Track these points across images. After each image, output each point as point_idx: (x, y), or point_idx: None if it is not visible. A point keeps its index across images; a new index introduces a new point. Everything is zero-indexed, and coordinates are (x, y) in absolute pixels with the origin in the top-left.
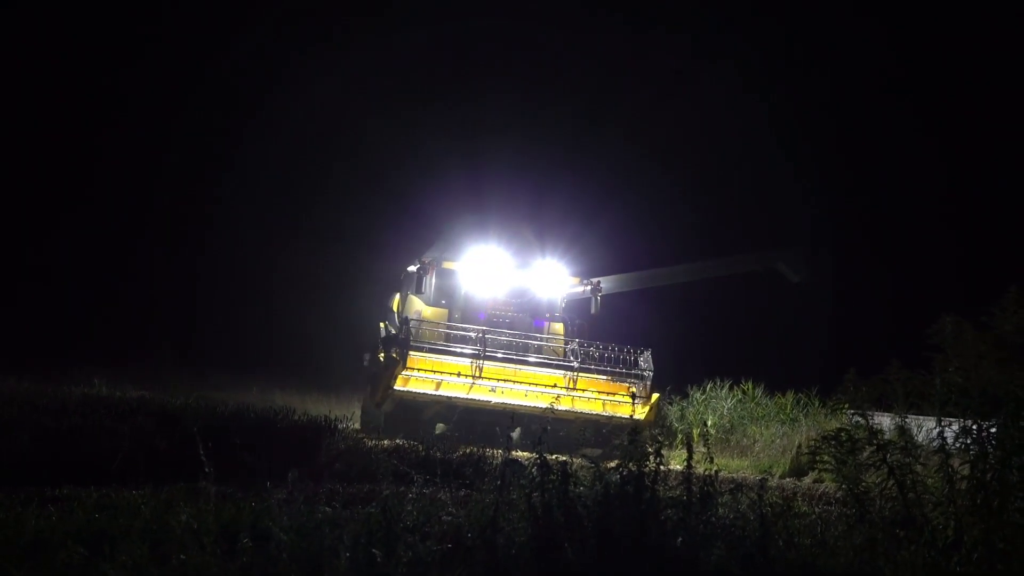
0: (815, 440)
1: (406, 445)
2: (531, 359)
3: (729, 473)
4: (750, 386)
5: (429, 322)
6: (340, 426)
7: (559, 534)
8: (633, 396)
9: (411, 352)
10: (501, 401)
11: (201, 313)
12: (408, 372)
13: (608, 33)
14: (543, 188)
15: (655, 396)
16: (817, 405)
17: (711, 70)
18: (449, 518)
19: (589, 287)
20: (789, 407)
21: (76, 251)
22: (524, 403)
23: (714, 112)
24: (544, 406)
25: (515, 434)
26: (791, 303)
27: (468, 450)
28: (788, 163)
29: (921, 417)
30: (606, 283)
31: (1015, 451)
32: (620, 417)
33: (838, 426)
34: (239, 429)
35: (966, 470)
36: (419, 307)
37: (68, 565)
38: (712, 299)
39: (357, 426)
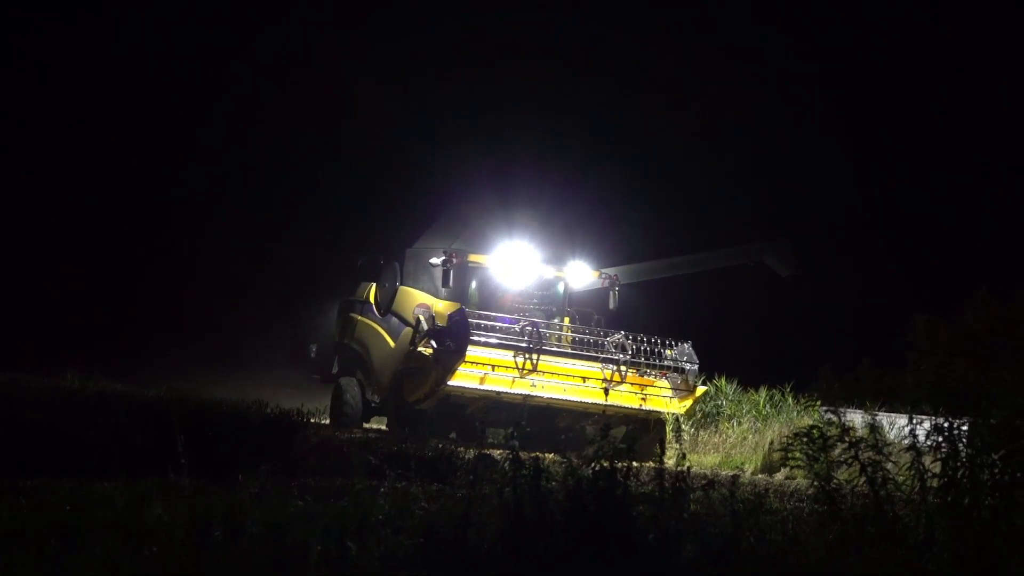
0: (787, 437)
1: (378, 439)
2: (571, 353)
3: (701, 469)
4: (723, 382)
5: (479, 312)
6: (313, 420)
7: (531, 529)
8: (672, 390)
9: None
10: (552, 397)
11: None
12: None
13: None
14: (548, 181)
15: (700, 389)
16: (790, 402)
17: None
18: (422, 512)
19: (607, 280)
20: (762, 403)
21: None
22: (570, 398)
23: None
24: (589, 401)
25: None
26: (764, 298)
27: (440, 444)
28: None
29: (893, 414)
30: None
31: (986, 449)
32: (659, 412)
33: (810, 423)
34: (212, 422)
35: (938, 468)
36: (422, 299)
37: (40, 557)
38: (683, 293)
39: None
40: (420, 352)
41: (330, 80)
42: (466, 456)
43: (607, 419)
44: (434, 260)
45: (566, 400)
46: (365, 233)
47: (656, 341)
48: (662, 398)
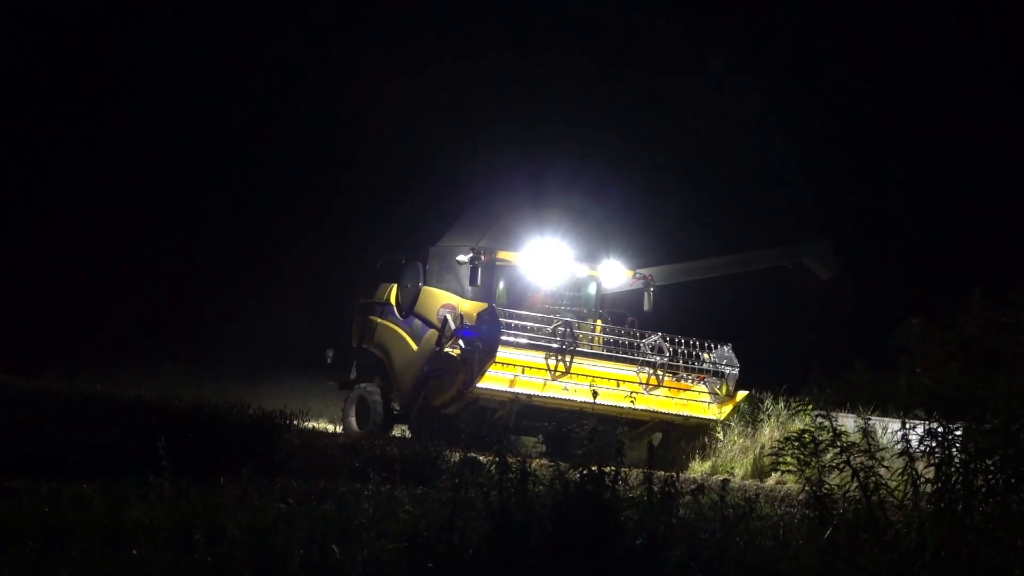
0: (778, 441)
1: (364, 442)
2: (609, 355)
3: (691, 474)
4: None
5: (508, 311)
6: (296, 422)
7: (517, 534)
8: (712, 395)
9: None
10: (585, 401)
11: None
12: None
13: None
14: (582, 177)
15: (741, 394)
16: (781, 405)
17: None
18: (406, 516)
19: (641, 280)
20: (753, 407)
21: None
22: (602, 402)
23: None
24: (624, 406)
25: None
26: (754, 301)
27: (425, 448)
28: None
29: (886, 419)
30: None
31: (980, 455)
32: (697, 417)
33: (802, 427)
34: (194, 424)
35: (931, 473)
36: (447, 300)
37: (18, 559)
38: (677, 294)
39: (317, 424)
40: (447, 353)
41: (349, 74)
42: (451, 459)
43: (643, 424)
44: (461, 258)
45: (599, 404)
46: (381, 233)
47: (694, 344)
48: (701, 403)
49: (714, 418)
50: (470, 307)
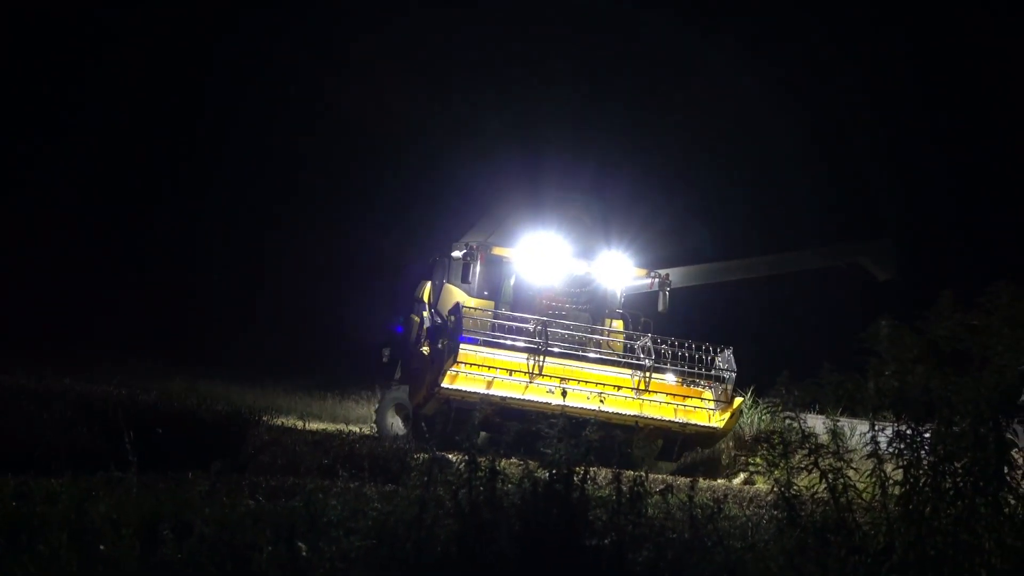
0: (747, 442)
1: (333, 440)
2: (592, 356)
3: (659, 474)
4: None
5: (482, 310)
6: (265, 418)
7: (486, 532)
8: (714, 401)
9: (462, 345)
10: (562, 404)
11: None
12: (456, 368)
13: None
14: (604, 170)
15: (737, 401)
16: (751, 406)
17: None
18: (375, 513)
19: (656, 280)
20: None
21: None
22: (587, 406)
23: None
24: (611, 410)
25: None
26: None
27: (394, 446)
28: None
29: (855, 420)
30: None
31: (948, 457)
32: (695, 425)
33: (770, 428)
34: (162, 419)
35: (899, 475)
36: (459, 297)
37: None
38: (692, 296)
39: (286, 420)
40: (421, 352)
41: (352, 76)
42: (420, 457)
43: (640, 431)
44: (455, 253)
45: (583, 409)
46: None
47: (690, 345)
48: (702, 410)
49: (716, 426)
50: (474, 304)
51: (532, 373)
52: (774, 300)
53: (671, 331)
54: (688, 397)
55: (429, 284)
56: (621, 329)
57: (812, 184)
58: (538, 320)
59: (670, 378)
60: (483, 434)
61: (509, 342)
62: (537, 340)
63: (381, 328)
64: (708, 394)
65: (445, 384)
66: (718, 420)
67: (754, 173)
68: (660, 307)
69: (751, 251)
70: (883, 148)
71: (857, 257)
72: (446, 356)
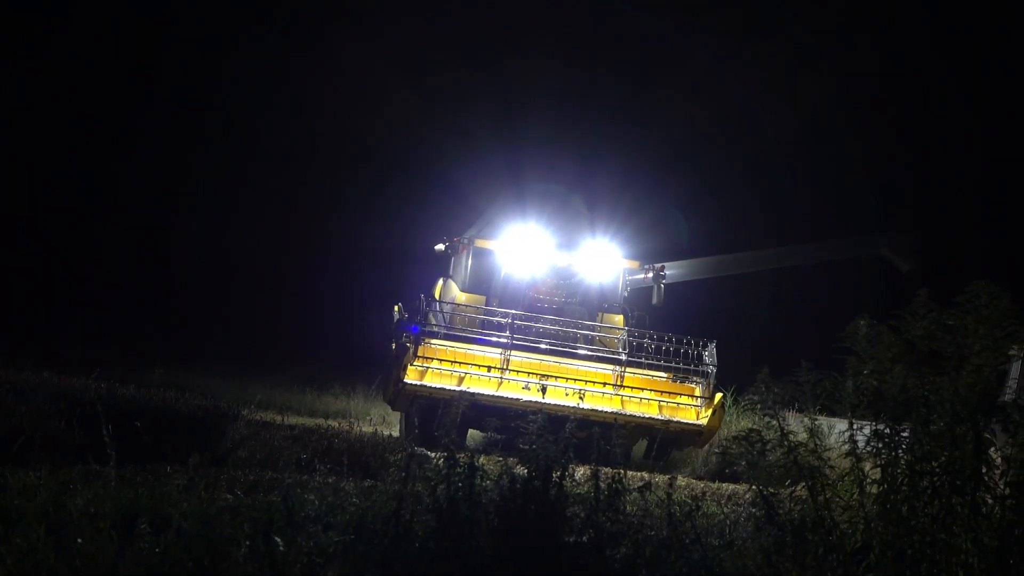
0: (726, 440)
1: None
2: (580, 352)
3: (638, 471)
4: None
5: (460, 305)
6: (244, 412)
7: (464, 528)
8: (699, 397)
9: (428, 339)
10: (533, 400)
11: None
12: (423, 364)
13: None
14: (593, 158)
15: (718, 396)
16: (731, 404)
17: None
18: (353, 508)
19: (651, 273)
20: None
21: None
22: (564, 403)
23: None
24: (587, 407)
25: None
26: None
27: (372, 440)
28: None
29: (833, 419)
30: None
31: (926, 457)
32: (680, 422)
33: (750, 426)
34: (141, 412)
35: (877, 474)
36: (455, 293)
37: None
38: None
39: (265, 415)
40: (393, 348)
41: (341, 69)
42: (400, 453)
43: (621, 428)
44: (439, 247)
45: (559, 406)
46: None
47: (670, 338)
48: (689, 407)
49: (701, 423)
50: (465, 299)
51: (502, 369)
52: (760, 298)
53: (669, 327)
54: (674, 394)
55: (441, 281)
56: (619, 324)
57: (813, 177)
58: (511, 314)
59: (658, 374)
60: (480, 433)
61: (482, 337)
62: (506, 335)
63: (394, 328)
64: (698, 390)
65: (409, 380)
66: (703, 416)
67: (755, 166)
68: (654, 300)
69: (753, 244)
70: (882, 145)
71: (881, 249)
72: (408, 350)
